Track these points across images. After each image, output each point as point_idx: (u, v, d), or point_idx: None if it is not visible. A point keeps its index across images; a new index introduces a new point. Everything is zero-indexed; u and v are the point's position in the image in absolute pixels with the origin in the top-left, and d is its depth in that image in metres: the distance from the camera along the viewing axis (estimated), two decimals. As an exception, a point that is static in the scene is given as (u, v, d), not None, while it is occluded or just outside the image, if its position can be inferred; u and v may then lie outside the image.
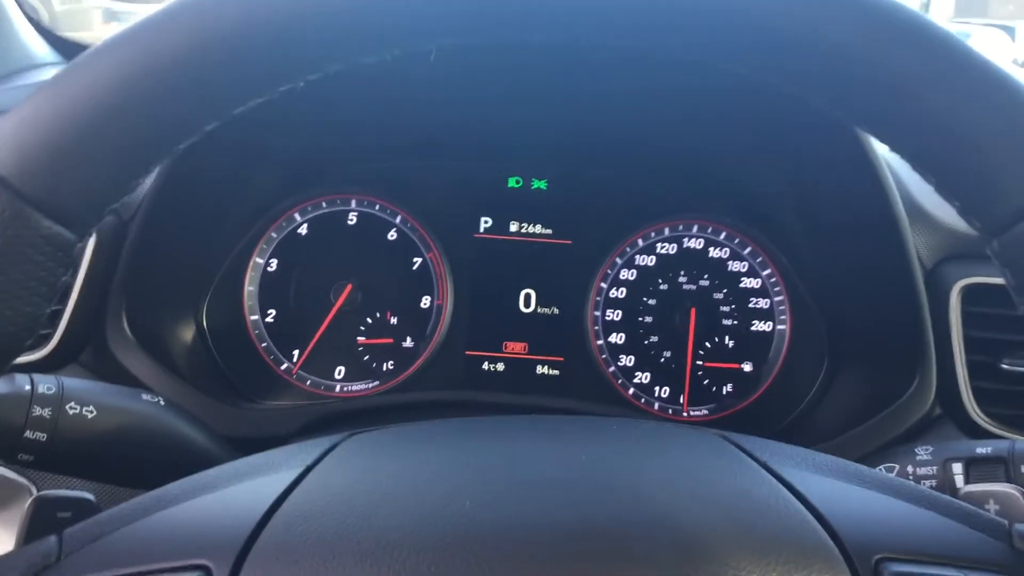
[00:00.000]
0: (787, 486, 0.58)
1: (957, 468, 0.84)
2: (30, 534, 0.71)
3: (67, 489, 0.75)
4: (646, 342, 1.36)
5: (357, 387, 1.34)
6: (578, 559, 0.49)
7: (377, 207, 1.37)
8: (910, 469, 0.86)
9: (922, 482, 0.85)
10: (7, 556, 0.53)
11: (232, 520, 0.52)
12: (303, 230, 1.36)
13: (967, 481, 0.83)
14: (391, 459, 0.64)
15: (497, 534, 0.51)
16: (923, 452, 0.87)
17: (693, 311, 1.35)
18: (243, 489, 0.58)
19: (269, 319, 1.35)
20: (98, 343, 1.13)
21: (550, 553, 0.49)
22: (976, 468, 0.84)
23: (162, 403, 0.87)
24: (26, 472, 1.01)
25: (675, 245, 1.37)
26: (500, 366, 1.37)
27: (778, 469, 0.63)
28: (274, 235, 1.35)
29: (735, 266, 1.37)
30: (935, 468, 0.85)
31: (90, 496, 0.75)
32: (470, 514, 0.52)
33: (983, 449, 0.85)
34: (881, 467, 0.88)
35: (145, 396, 0.86)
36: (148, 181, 1.14)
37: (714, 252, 1.37)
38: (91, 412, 0.80)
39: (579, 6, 0.51)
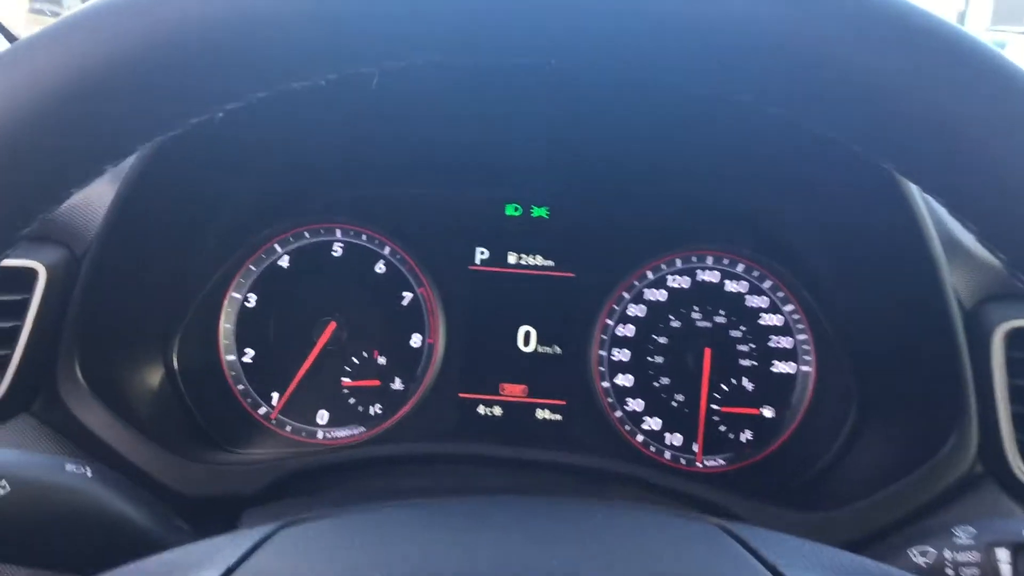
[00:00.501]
0: None
1: (1003, 555, 0.72)
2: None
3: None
4: (656, 384, 1.25)
5: (341, 433, 1.24)
6: None
7: (364, 237, 1.26)
8: (948, 555, 0.74)
9: (962, 570, 0.72)
10: None
11: None
12: (284, 262, 1.26)
13: (1015, 570, 0.71)
14: (326, 554, 0.57)
15: None
16: (963, 535, 0.75)
17: (708, 351, 1.23)
18: None
19: (246, 359, 1.25)
20: (50, 392, 1.03)
21: None
22: (1026, 556, 0.71)
23: (90, 474, 0.77)
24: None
25: (688, 278, 1.26)
26: (497, 410, 1.26)
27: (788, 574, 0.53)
28: (253, 268, 1.25)
29: (754, 301, 1.25)
30: (977, 554, 0.73)
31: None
32: None
33: (1034, 532, 0.72)
34: (915, 549, 0.76)
35: (70, 467, 0.76)
36: (101, 210, 1.04)
37: (731, 286, 1.25)
38: (3, 488, 0.70)
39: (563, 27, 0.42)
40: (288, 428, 1.24)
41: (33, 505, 0.72)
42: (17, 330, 1.01)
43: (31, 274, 1.01)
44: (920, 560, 0.75)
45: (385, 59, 0.45)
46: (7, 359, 1.00)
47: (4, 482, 0.70)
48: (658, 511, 0.67)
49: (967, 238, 1.03)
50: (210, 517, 0.94)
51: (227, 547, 0.59)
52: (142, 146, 0.46)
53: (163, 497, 1.01)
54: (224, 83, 0.44)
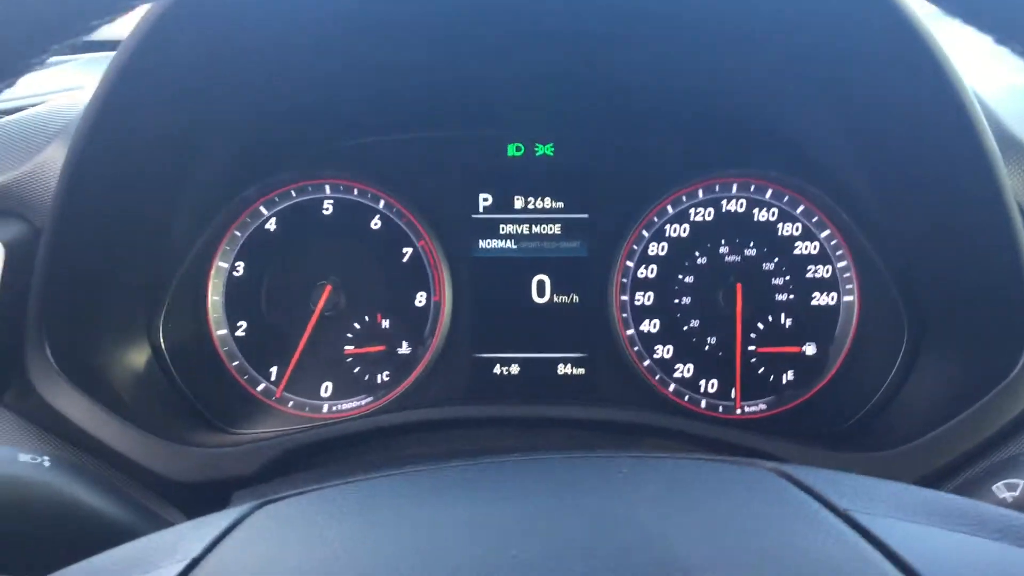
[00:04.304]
0: (882, 548, 0.44)
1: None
2: None
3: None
4: (686, 328, 1.15)
5: (348, 405, 1.15)
6: None
7: (356, 192, 1.16)
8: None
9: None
10: None
11: None
12: (271, 225, 1.16)
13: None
14: (300, 535, 0.51)
15: None
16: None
17: (739, 287, 1.13)
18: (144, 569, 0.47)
19: (240, 333, 1.15)
20: (21, 380, 0.93)
21: None
22: None
23: (47, 463, 0.68)
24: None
25: (712, 209, 1.15)
26: (514, 368, 1.16)
27: (865, 522, 0.47)
28: (238, 233, 1.15)
29: (786, 229, 1.14)
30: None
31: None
32: None
33: None
34: (1000, 484, 0.66)
35: (24, 457, 0.67)
36: (55, 175, 0.93)
37: (759, 214, 1.15)
38: None
39: None
40: (291, 404, 1.15)
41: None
42: None
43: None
44: (1007, 495, 0.65)
45: None
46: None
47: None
48: (707, 460, 0.57)
49: (1025, 134, 0.92)
50: (205, 503, 0.85)
51: (193, 534, 0.51)
52: None
53: (153, 485, 0.93)
54: None
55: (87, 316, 0.99)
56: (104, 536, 0.67)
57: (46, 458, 0.68)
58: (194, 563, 0.48)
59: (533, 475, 0.55)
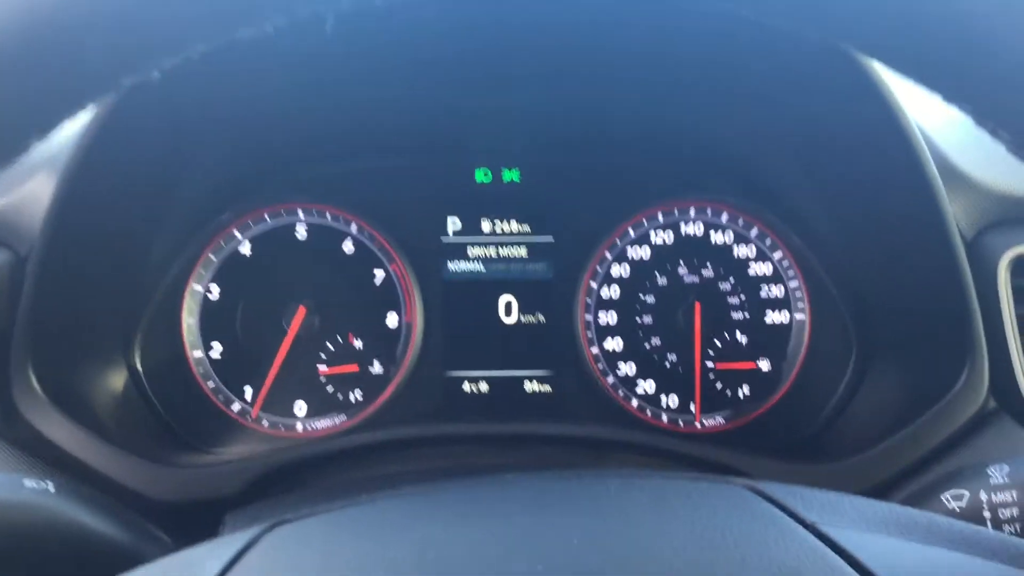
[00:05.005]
0: (845, 556, 0.48)
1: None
2: None
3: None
4: (647, 346, 1.20)
5: (322, 424, 1.18)
6: None
7: (328, 216, 1.19)
8: (984, 496, 0.69)
9: (1000, 511, 0.68)
10: None
11: None
12: (245, 249, 1.19)
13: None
14: (314, 557, 0.52)
15: None
16: (998, 473, 0.70)
17: (698, 306, 1.18)
18: None
19: (215, 354, 1.18)
20: (5, 404, 0.95)
21: None
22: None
23: (52, 489, 0.70)
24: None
25: (671, 232, 1.20)
26: (483, 386, 1.20)
27: (830, 533, 0.51)
28: (212, 257, 1.18)
29: (741, 251, 1.20)
30: (1014, 493, 0.68)
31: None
32: None
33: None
34: (948, 494, 0.72)
35: (29, 483, 0.70)
36: (44, 206, 0.95)
37: (716, 237, 1.20)
38: None
39: None
40: (265, 423, 1.17)
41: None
42: None
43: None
44: (954, 505, 0.70)
45: None
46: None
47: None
48: (676, 477, 0.62)
49: (964, 162, 0.98)
50: (190, 523, 0.87)
51: (207, 557, 0.53)
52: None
53: (138, 506, 0.95)
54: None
55: (69, 341, 1.01)
56: (110, 561, 0.70)
57: (50, 483, 0.70)
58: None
59: (533, 492, 0.59)
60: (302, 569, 0.51)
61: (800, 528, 0.51)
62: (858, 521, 0.53)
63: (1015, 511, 0.67)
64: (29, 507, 0.68)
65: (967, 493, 0.70)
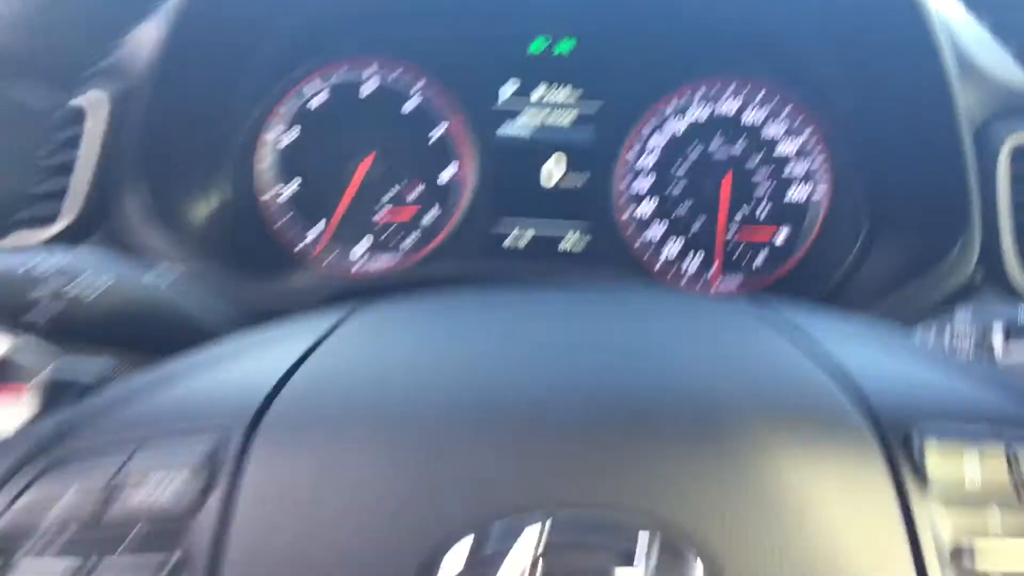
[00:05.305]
0: (818, 352, 0.56)
1: (998, 334, 0.79)
2: (52, 396, 0.71)
3: (86, 356, 0.75)
4: (676, 212, 1.31)
5: (378, 264, 1.31)
6: (594, 427, 0.47)
7: (397, 72, 1.31)
8: (947, 333, 0.81)
9: (959, 345, 0.80)
10: (22, 428, 0.55)
11: (244, 390, 0.52)
12: (319, 99, 1.31)
13: (1007, 347, 0.78)
14: (403, 330, 0.63)
15: (516, 403, 0.49)
16: (962, 316, 0.82)
17: (726, 178, 1.29)
18: (255, 360, 0.57)
19: (286, 195, 1.31)
20: (113, 219, 1.10)
21: (570, 420, 0.48)
22: (1017, 334, 0.79)
23: (172, 277, 0.85)
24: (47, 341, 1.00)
25: (709, 107, 1.30)
26: (524, 240, 1.33)
27: (802, 328, 0.60)
28: (289, 106, 1.30)
29: (772, 128, 1.30)
30: (974, 333, 0.80)
31: (108, 362, 0.75)
32: (487, 383, 0.51)
33: (1026, 314, 0.80)
34: (921, 327, 0.84)
35: (155, 271, 0.85)
36: (147, 49, 1.09)
37: (750, 114, 1.30)
38: (104, 283, 0.79)
39: None
40: (328, 259, 1.31)
41: (128, 299, 0.80)
42: (73, 162, 1.08)
43: (84, 111, 1.08)
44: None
45: None
46: (67, 189, 1.07)
47: (105, 279, 0.78)
48: (696, 296, 0.74)
49: (979, 55, 1.07)
50: None
51: (312, 323, 0.63)
52: None
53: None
54: None
55: (170, 168, 1.15)
56: (213, 334, 0.84)
57: (166, 276, 0.85)
58: (319, 341, 0.58)
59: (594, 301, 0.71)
60: (388, 341, 0.59)
61: (784, 328, 0.62)
62: (832, 329, 0.65)
63: (970, 342, 0.80)
64: (155, 287, 0.83)
65: (935, 327, 0.83)
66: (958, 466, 0.47)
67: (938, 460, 0.47)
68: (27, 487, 0.48)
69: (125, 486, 0.46)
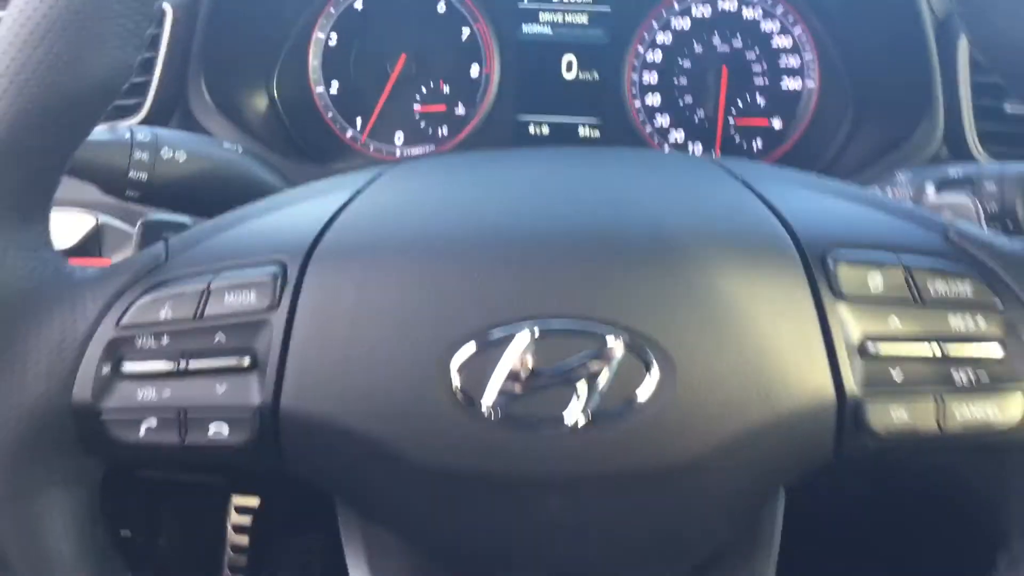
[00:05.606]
0: (751, 190, 0.66)
1: (930, 188, 0.94)
2: (141, 246, 0.88)
3: (168, 214, 0.92)
4: (681, 103, 1.46)
5: (416, 151, 1.48)
6: (574, 254, 0.59)
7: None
8: (889, 190, 0.97)
9: (896, 191, 0.95)
10: (125, 260, 0.65)
11: (303, 225, 0.61)
12: (359, 4, 1.46)
13: (937, 197, 0.93)
14: (424, 182, 0.73)
15: (516, 234, 0.60)
16: (903, 176, 0.97)
17: (725, 70, 1.43)
18: (309, 204, 0.65)
19: (333, 90, 1.48)
20: (183, 111, 1.28)
21: (557, 248, 0.59)
22: (948, 188, 0.93)
23: (240, 151, 1.02)
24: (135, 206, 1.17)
25: (709, 6, 1.44)
26: (545, 129, 1.48)
27: (747, 178, 0.74)
28: (333, 10, 1.46)
29: (767, 25, 1.43)
30: (911, 189, 0.95)
31: (187, 219, 0.92)
32: (493, 221, 0.62)
33: (955, 171, 0.94)
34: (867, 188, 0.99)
35: (227, 145, 1.02)
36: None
37: (747, 12, 1.43)
38: (182, 156, 0.95)
39: None
40: (372, 148, 1.48)
41: (203, 168, 0.97)
42: (153, 60, 1.25)
43: (160, 12, 1.25)
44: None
45: None
46: (148, 84, 1.25)
47: (183, 151, 0.95)
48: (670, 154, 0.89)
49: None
50: None
51: (363, 174, 0.71)
52: None
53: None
54: None
55: (230, 65, 1.33)
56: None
57: (239, 146, 1.03)
58: (368, 183, 0.66)
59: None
60: (427, 186, 0.67)
61: (728, 175, 0.75)
62: (770, 176, 0.77)
63: (908, 194, 0.95)
64: (227, 158, 1.00)
65: (877, 187, 0.98)
66: (864, 278, 0.58)
67: (848, 274, 0.58)
68: (129, 307, 0.59)
69: (208, 304, 0.57)
